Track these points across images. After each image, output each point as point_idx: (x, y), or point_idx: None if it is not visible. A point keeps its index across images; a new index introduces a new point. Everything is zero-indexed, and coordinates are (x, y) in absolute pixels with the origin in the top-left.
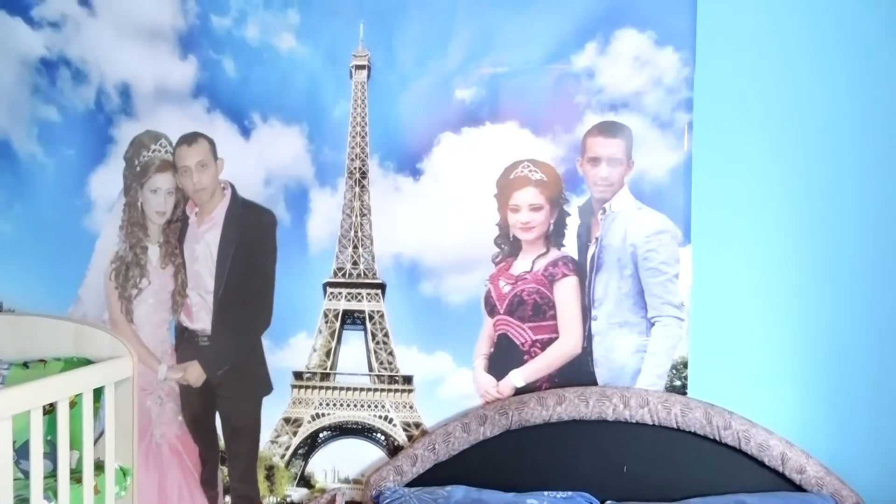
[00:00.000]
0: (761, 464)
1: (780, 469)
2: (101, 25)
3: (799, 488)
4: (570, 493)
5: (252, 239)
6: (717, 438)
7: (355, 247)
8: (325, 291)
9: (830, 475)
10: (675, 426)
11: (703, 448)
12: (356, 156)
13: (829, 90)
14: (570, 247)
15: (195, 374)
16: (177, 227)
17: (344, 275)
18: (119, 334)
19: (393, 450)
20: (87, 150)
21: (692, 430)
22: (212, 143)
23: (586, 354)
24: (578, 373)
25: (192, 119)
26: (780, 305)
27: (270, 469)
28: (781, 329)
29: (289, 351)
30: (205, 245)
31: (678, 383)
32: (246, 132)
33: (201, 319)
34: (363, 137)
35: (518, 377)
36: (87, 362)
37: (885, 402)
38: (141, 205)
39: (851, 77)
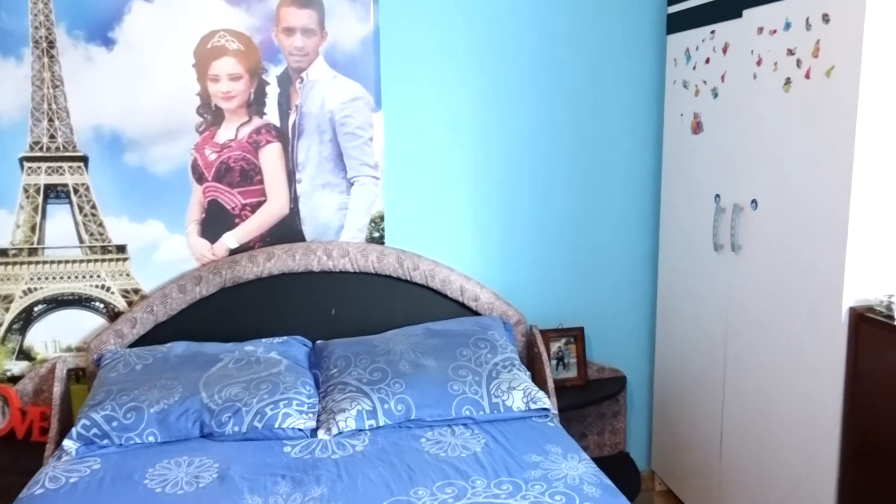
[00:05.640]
0: (445, 296)
1: (460, 299)
2: None
3: (475, 313)
4: (285, 337)
5: None
6: (409, 279)
7: (50, 120)
8: (22, 166)
9: (499, 300)
10: (373, 271)
11: (398, 288)
12: (40, 24)
13: None
14: (272, 115)
15: None
16: None
17: (41, 149)
18: None
19: (114, 316)
20: None
21: (387, 274)
22: None
23: (294, 214)
24: (288, 231)
25: None
26: (460, 161)
27: None
28: (461, 182)
29: None
30: None
31: (377, 235)
32: None
33: None
34: (46, 4)
35: (231, 239)
36: None
37: (543, 241)
38: None
39: None
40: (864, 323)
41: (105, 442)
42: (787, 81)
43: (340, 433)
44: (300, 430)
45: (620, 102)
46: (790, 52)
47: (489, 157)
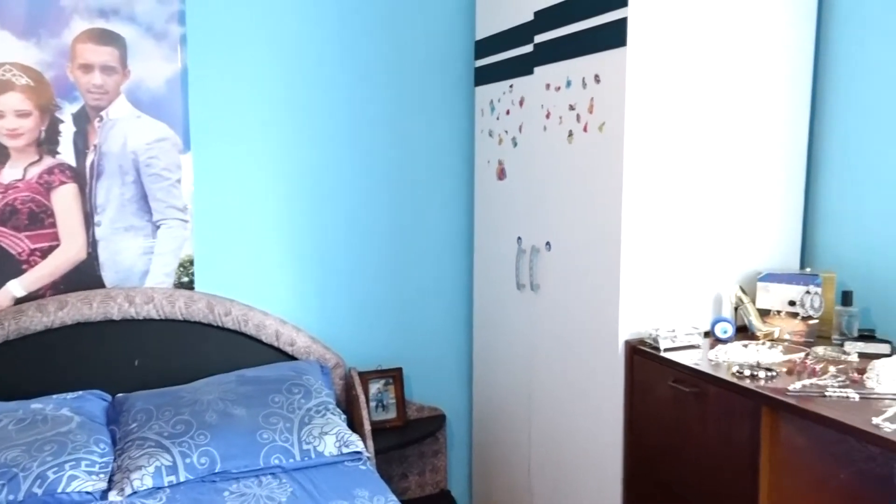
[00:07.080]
0: (260, 341)
1: (276, 344)
2: None
3: (293, 357)
4: (80, 392)
5: None
6: (221, 324)
7: None
8: None
9: (316, 343)
10: (181, 318)
11: (209, 334)
12: None
13: (315, 5)
14: (67, 154)
15: None
16: None
17: None
18: None
19: None
20: None
21: (197, 320)
22: None
23: (92, 259)
24: (85, 278)
25: None
26: (273, 203)
27: None
28: (275, 224)
29: None
30: None
31: (186, 279)
32: None
33: None
34: None
35: (17, 287)
36: None
37: (361, 283)
38: None
39: None
40: (637, 355)
41: None
42: (570, 134)
43: (135, 493)
44: (88, 493)
45: (437, 149)
46: (571, 108)
47: (304, 199)
